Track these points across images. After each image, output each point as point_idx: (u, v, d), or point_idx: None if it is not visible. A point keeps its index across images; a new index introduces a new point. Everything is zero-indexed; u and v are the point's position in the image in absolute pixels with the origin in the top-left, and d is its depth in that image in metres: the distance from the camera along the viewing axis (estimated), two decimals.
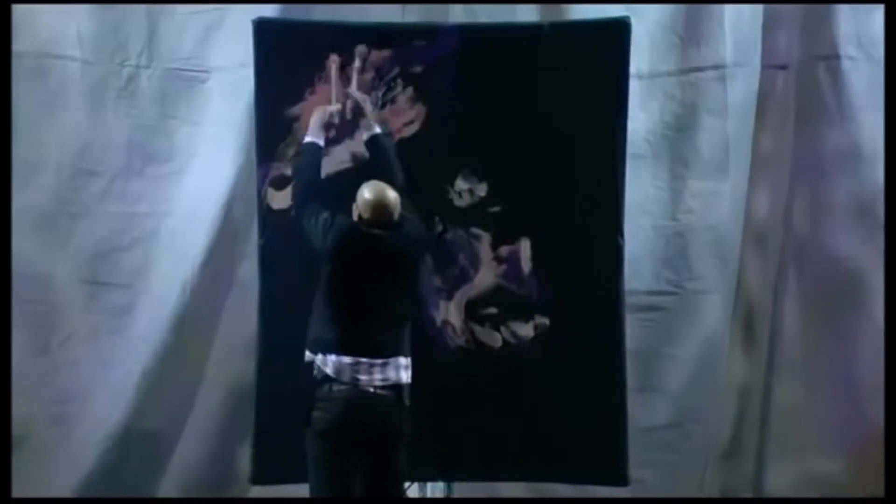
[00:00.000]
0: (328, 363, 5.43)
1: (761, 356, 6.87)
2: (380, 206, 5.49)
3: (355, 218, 5.54)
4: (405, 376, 5.51)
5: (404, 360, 5.52)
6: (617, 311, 6.09)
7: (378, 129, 5.83)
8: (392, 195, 5.52)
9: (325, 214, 5.52)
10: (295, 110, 6.02)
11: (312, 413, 5.41)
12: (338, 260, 5.47)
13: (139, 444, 6.81)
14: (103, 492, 6.75)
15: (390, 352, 5.48)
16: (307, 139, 5.76)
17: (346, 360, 5.42)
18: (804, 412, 6.81)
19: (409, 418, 5.53)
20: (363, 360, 5.43)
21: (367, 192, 5.52)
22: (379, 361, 5.44)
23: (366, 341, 5.44)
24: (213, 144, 6.86)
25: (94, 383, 6.83)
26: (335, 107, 5.90)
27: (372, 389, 5.42)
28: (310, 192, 5.65)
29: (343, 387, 5.40)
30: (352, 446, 5.41)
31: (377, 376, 5.44)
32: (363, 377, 5.42)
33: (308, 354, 5.48)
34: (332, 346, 5.43)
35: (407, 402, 5.51)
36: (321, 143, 5.77)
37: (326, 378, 5.42)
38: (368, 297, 5.47)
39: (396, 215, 5.53)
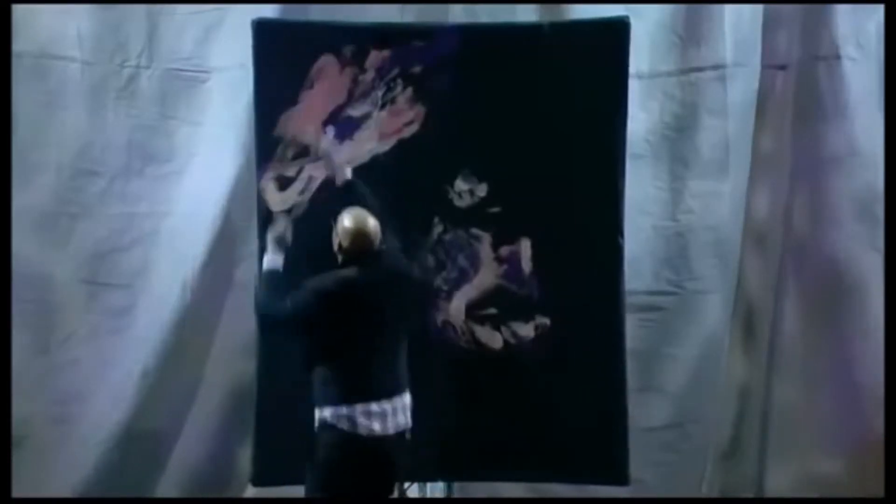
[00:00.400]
0: (338, 417, 5.35)
1: (761, 356, 6.87)
2: (360, 235, 5.46)
3: (336, 248, 5.49)
4: (409, 418, 5.50)
5: (408, 399, 5.49)
6: (617, 311, 6.10)
7: (349, 174, 5.85)
8: (372, 223, 5.48)
9: (288, 300, 5.39)
10: (294, 110, 6.03)
11: (321, 458, 5.37)
12: (318, 321, 5.37)
13: (139, 444, 6.80)
14: (103, 492, 6.75)
15: (394, 390, 5.43)
16: (266, 267, 5.64)
17: (359, 408, 5.35)
18: (804, 412, 6.81)
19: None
20: (373, 405, 5.37)
21: (346, 221, 5.49)
22: (388, 406, 5.39)
23: (370, 386, 5.38)
24: (213, 145, 6.86)
25: (94, 383, 6.82)
26: (282, 224, 5.84)
27: (383, 435, 5.38)
28: (273, 298, 5.48)
29: (348, 434, 5.35)
30: (355, 486, 5.39)
31: (389, 423, 5.38)
32: (377, 426, 5.36)
33: (317, 412, 5.40)
34: (338, 398, 5.35)
35: (408, 436, 5.51)
36: (279, 267, 5.62)
37: (330, 426, 5.36)
38: (360, 343, 5.39)
39: (377, 243, 5.49)
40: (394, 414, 5.41)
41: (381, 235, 5.51)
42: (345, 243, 5.47)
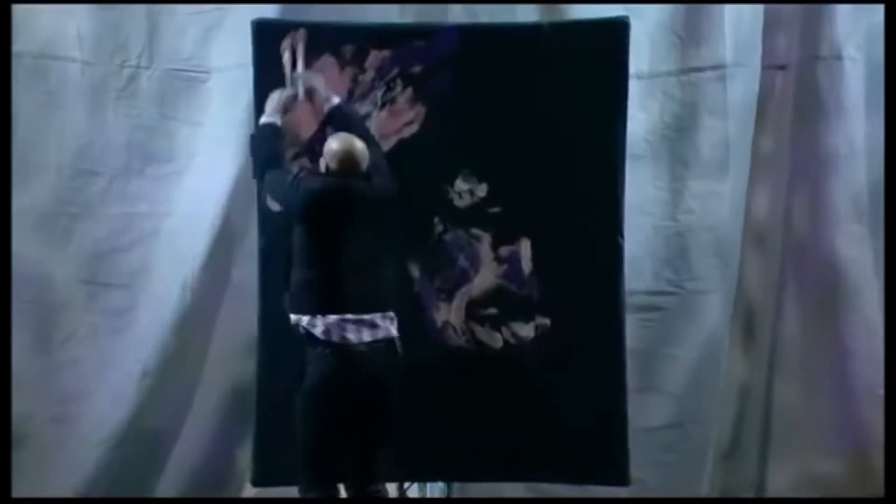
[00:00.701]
0: (315, 325, 5.42)
1: (761, 356, 6.87)
2: (347, 155, 5.54)
3: (322, 170, 5.59)
4: (394, 329, 5.51)
5: (391, 314, 5.51)
6: (617, 311, 6.09)
7: (336, 100, 5.87)
8: (359, 145, 5.57)
9: (290, 177, 5.59)
10: (294, 110, 6.03)
11: (304, 372, 5.42)
12: (311, 214, 5.48)
13: (139, 443, 6.80)
14: (103, 492, 6.75)
15: (375, 306, 5.47)
16: (263, 120, 5.79)
17: (332, 318, 5.41)
18: (804, 412, 6.80)
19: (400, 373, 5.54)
20: (349, 316, 5.42)
21: (333, 143, 5.59)
22: (366, 317, 5.43)
23: (349, 297, 5.43)
24: (213, 145, 6.85)
25: (94, 383, 6.82)
26: (291, 90, 5.91)
27: (363, 348, 5.41)
28: (269, 166, 5.67)
29: (331, 348, 5.40)
30: (342, 407, 5.40)
31: (366, 334, 5.42)
32: (352, 336, 5.41)
33: (293, 317, 5.48)
34: (315, 306, 5.43)
35: (400, 351, 5.52)
36: (279, 123, 5.78)
37: (314, 339, 5.42)
38: (345, 249, 5.46)
39: (364, 165, 5.57)
40: (372, 325, 5.42)
41: (368, 158, 5.59)
42: (332, 165, 5.55)
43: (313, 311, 5.44)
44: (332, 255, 5.47)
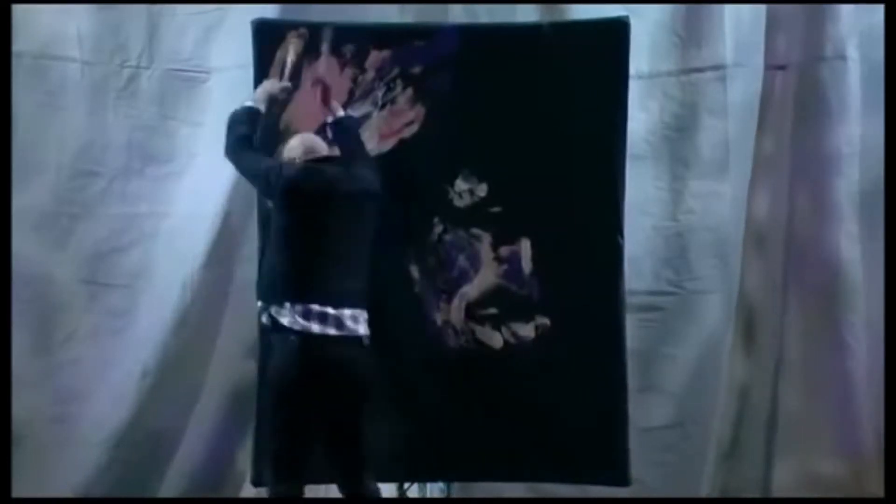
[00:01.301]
0: (282, 313, 5.34)
1: (762, 356, 6.86)
2: (308, 141, 5.59)
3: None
4: (362, 328, 5.40)
5: (361, 312, 5.41)
6: (617, 311, 6.10)
7: (341, 113, 5.87)
8: (320, 140, 5.64)
9: (269, 160, 5.59)
10: (294, 110, 6.03)
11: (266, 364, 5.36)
12: (289, 197, 5.45)
13: (139, 443, 6.80)
14: (103, 492, 6.75)
15: (343, 301, 5.36)
16: (247, 103, 5.77)
17: (298, 307, 5.32)
18: (805, 412, 6.80)
19: (373, 368, 5.45)
20: (314, 307, 5.31)
21: (292, 141, 5.65)
22: (332, 312, 5.33)
23: (319, 287, 5.34)
24: (214, 145, 6.80)
25: (94, 383, 6.82)
26: (285, 83, 5.90)
27: (327, 340, 5.29)
28: (243, 143, 5.64)
29: (295, 335, 5.30)
30: (305, 400, 5.29)
31: (330, 329, 5.31)
32: (315, 326, 5.32)
33: (259, 304, 5.44)
34: (283, 293, 5.34)
35: (367, 346, 5.40)
36: (262, 109, 5.77)
37: (278, 327, 5.35)
38: (322, 238, 5.41)
39: (325, 151, 5.60)
40: (338, 320, 5.32)
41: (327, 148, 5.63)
42: (299, 156, 5.56)
43: (280, 300, 5.34)
44: (306, 242, 5.41)
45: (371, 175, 5.69)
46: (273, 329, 5.40)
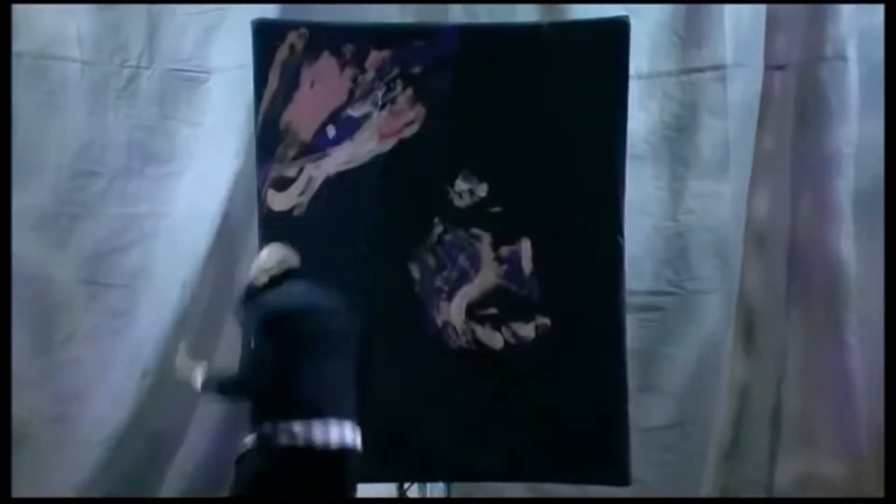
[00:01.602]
0: (277, 431, 5.09)
1: (762, 357, 6.86)
2: (279, 252, 5.30)
3: (260, 286, 5.29)
4: (356, 440, 5.17)
5: (353, 427, 5.16)
6: (617, 311, 6.10)
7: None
8: (289, 251, 5.32)
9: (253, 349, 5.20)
10: (294, 110, 6.03)
11: (255, 473, 5.15)
12: (280, 328, 5.13)
13: (139, 443, 6.80)
14: (104, 492, 6.75)
15: (337, 413, 5.12)
16: (199, 386, 5.44)
17: (297, 423, 5.07)
18: (805, 412, 6.80)
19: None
20: (315, 421, 5.09)
21: (261, 254, 5.38)
22: (333, 425, 5.09)
23: (317, 404, 5.09)
24: (213, 145, 6.86)
25: (94, 383, 6.82)
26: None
27: (329, 448, 5.10)
28: (226, 384, 5.36)
29: (298, 451, 5.09)
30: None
31: (332, 437, 5.09)
32: (317, 438, 5.07)
33: (252, 427, 5.19)
34: (278, 413, 5.10)
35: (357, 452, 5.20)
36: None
37: (275, 443, 5.11)
38: (302, 360, 5.12)
39: (297, 262, 5.30)
40: (339, 430, 5.11)
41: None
42: (271, 268, 5.28)
43: (280, 418, 5.09)
44: (304, 368, 5.11)
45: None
46: (265, 442, 5.13)
